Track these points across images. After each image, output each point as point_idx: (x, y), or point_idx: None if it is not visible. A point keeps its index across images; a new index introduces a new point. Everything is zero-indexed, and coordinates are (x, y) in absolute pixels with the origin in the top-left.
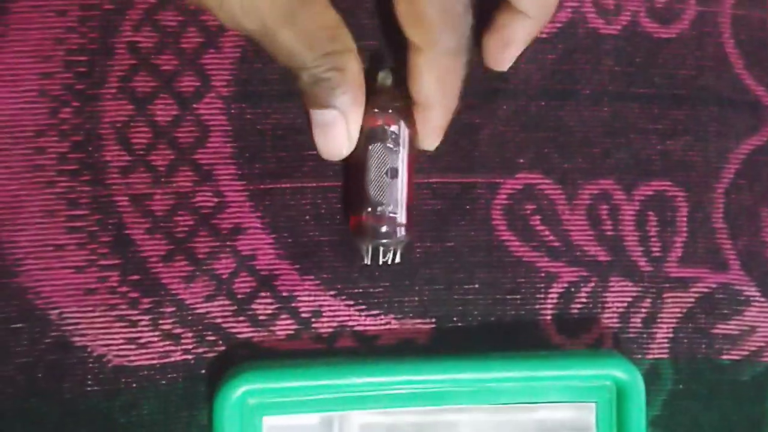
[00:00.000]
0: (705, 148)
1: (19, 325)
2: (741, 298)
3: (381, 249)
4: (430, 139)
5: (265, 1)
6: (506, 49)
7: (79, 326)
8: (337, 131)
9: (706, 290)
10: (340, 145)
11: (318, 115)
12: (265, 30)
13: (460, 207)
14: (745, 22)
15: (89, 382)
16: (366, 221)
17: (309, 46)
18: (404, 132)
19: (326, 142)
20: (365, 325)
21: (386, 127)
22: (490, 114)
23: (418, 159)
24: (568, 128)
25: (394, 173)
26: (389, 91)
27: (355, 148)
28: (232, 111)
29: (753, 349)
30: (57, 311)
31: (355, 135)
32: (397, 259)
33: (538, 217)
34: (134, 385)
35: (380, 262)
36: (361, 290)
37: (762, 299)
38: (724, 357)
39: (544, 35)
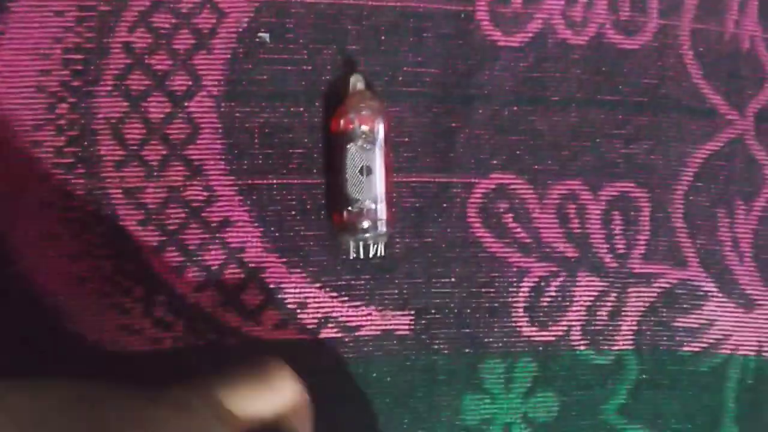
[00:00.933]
0: (666, 152)
1: (14, 311)
2: (700, 293)
3: (363, 243)
4: None
5: None
6: None
7: (74, 313)
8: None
9: (667, 285)
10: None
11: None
12: None
13: (437, 205)
14: (704, 35)
15: (82, 368)
16: (347, 217)
17: None
18: (378, 131)
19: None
20: (348, 316)
21: (359, 127)
22: (466, 118)
23: (397, 159)
24: (538, 132)
25: (369, 171)
26: (361, 93)
27: (334, 148)
28: (222, 109)
29: (711, 341)
30: (51, 299)
31: None
32: (381, 252)
33: (510, 215)
34: (126, 371)
35: (362, 256)
36: (344, 282)
37: (719, 294)
38: (685, 349)
39: (516, 44)
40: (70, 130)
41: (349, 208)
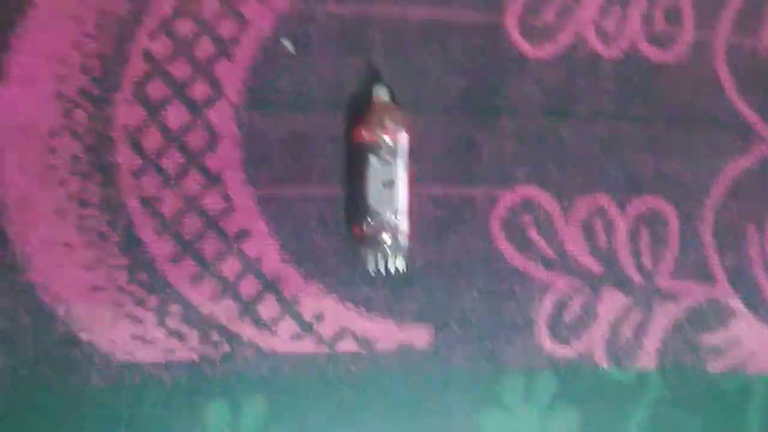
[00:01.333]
0: (696, 168)
1: (26, 321)
2: (727, 311)
3: (382, 257)
4: None
5: None
6: None
7: (86, 323)
8: None
9: (694, 303)
10: None
11: None
12: None
13: (460, 217)
14: (739, 50)
15: (94, 377)
16: (367, 230)
17: None
18: (401, 144)
19: None
20: (366, 329)
21: (383, 139)
22: (492, 129)
23: (420, 170)
24: (566, 145)
25: (390, 183)
26: (385, 104)
27: (355, 159)
28: (243, 118)
29: (737, 360)
30: (64, 307)
31: None
32: (401, 266)
33: (534, 228)
34: (138, 380)
35: (382, 270)
36: (362, 295)
37: (747, 312)
38: (710, 367)
39: (545, 56)
40: (87, 137)
41: (370, 220)
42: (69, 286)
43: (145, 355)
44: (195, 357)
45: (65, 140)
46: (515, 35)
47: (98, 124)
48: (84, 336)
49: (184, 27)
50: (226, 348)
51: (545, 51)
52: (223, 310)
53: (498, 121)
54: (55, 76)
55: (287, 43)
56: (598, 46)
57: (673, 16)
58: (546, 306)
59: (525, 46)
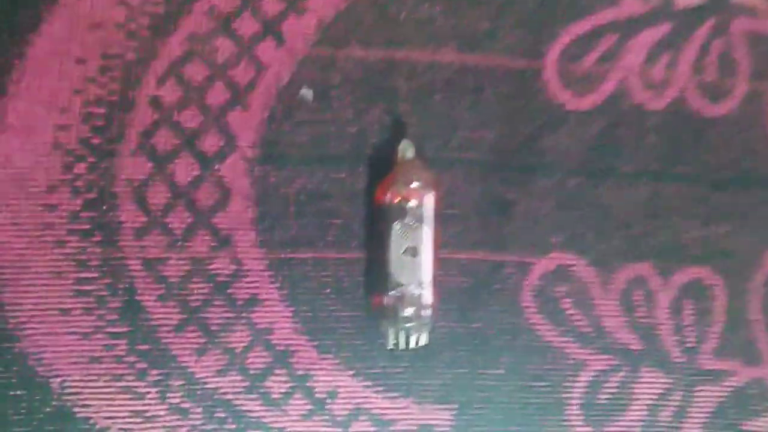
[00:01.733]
0: (747, 235)
1: (18, 392)
2: None
3: (404, 332)
4: None
5: None
6: None
7: (82, 396)
8: None
9: (738, 384)
10: None
11: None
12: None
13: (488, 286)
14: None
15: None
16: (387, 302)
17: None
18: (427, 207)
19: None
20: (383, 408)
21: (406, 203)
22: (525, 189)
23: (445, 233)
24: (606, 207)
25: (415, 252)
26: (411, 163)
27: (377, 222)
28: (256, 173)
29: None
30: (59, 379)
31: None
32: (423, 342)
33: (569, 300)
34: None
35: (403, 347)
36: (380, 371)
37: None
38: None
39: (585, 107)
40: (87, 192)
41: (391, 291)
42: (64, 356)
43: None
44: None
45: (64, 196)
46: (554, 83)
47: (100, 178)
48: (79, 411)
49: (196, 72)
50: (232, 426)
51: (586, 101)
52: (229, 385)
53: (533, 180)
54: (54, 125)
55: (307, 92)
56: (643, 96)
57: (727, 65)
58: (579, 386)
59: (565, 96)
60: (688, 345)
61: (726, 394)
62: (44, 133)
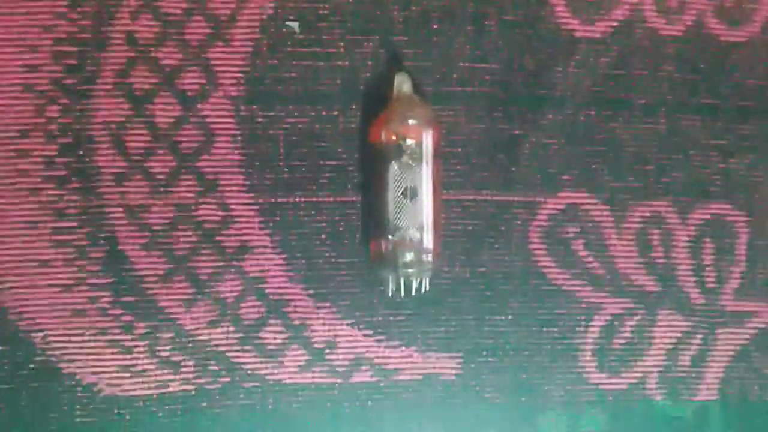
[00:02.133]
0: None
1: (0, 349)
2: None
3: (404, 278)
4: None
5: None
6: None
7: (67, 351)
8: None
9: (762, 326)
10: None
11: None
12: None
13: (494, 228)
14: None
15: (78, 413)
16: (386, 247)
17: None
18: (425, 145)
19: None
20: (385, 358)
21: (404, 140)
22: (533, 124)
23: (448, 174)
24: (619, 142)
25: (414, 193)
26: (408, 97)
27: (373, 162)
28: (242, 113)
29: None
30: (41, 334)
31: None
32: (425, 288)
33: (581, 241)
34: (128, 417)
35: (404, 293)
36: (381, 319)
37: None
38: None
39: (596, 35)
40: (62, 136)
41: (390, 236)
42: (46, 311)
43: (134, 388)
44: (191, 389)
45: (38, 141)
46: (562, 10)
47: (75, 122)
48: (65, 367)
49: (173, 5)
50: (226, 379)
51: (597, 29)
52: (222, 337)
53: (541, 115)
54: (24, 65)
55: (293, 24)
56: (657, 22)
57: None
58: (593, 331)
59: (573, 24)
60: (709, 286)
61: (749, 336)
62: (13, 75)
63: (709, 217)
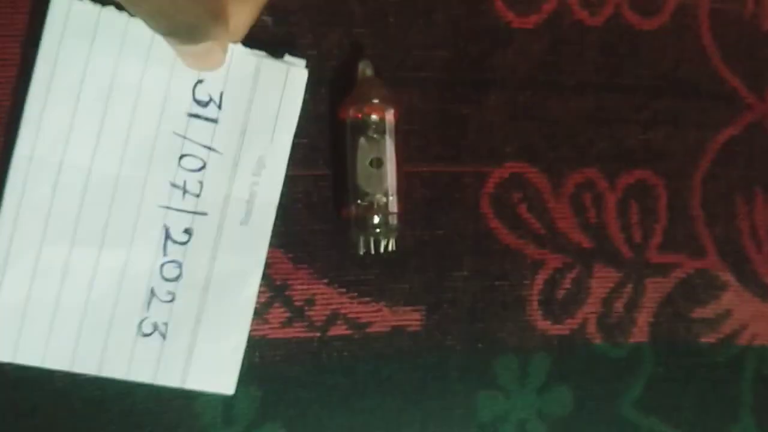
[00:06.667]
0: (684, 138)
1: None
2: (717, 283)
3: (373, 239)
4: (240, 34)
5: None
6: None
7: None
8: (215, 53)
9: (684, 276)
10: (219, 60)
11: (193, 49)
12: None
13: (449, 196)
14: (722, 16)
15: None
16: (356, 212)
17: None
18: (388, 121)
19: (204, 62)
20: (358, 313)
21: (369, 117)
22: (478, 104)
23: (407, 148)
24: (553, 118)
25: (379, 163)
26: (370, 80)
27: (341, 138)
28: None
29: (728, 332)
30: None
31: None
32: (392, 248)
33: (524, 205)
34: None
35: (373, 252)
36: (353, 278)
37: (737, 284)
38: (702, 340)
39: (530, 26)
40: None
41: (359, 201)
42: None
43: None
44: None
45: None
46: (500, 5)
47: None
48: None
49: None
50: None
51: (530, 21)
52: None
53: (485, 95)
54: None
55: (267, 18)
56: (582, 14)
57: None
58: (538, 284)
59: (510, 16)
60: (636, 242)
61: (672, 285)
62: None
63: (633, 181)
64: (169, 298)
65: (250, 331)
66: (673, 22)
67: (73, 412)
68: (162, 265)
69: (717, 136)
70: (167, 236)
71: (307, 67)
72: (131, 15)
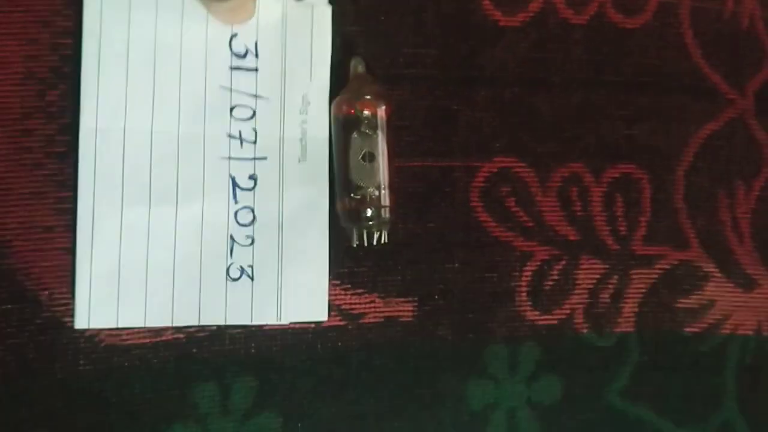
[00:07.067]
0: (667, 133)
1: (8, 307)
2: (700, 274)
3: (366, 231)
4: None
5: None
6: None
7: (70, 307)
8: (244, 8)
9: (668, 267)
10: (251, 11)
11: (219, 6)
12: None
13: (439, 190)
14: (703, 14)
15: (81, 362)
16: (350, 205)
17: None
18: (380, 117)
19: (237, 15)
20: (352, 304)
21: (361, 113)
22: (468, 101)
23: (399, 143)
24: (540, 114)
25: (372, 157)
26: (362, 77)
27: (335, 134)
28: None
29: (712, 321)
30: (47, 292)
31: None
32: (384, 240)
33: (513, 198)
34: (126, 363)
35: (366, 244)
36: (347, 270)
37: (720, 275)
38: (686, 329)
39: (516, 24)
40: (61, 117)
41: (352, 195)
42: (51, 271)
43: (131, 337)
44: (182, 337)
45: (39, 122)
46: (487, 4)
47: (71, 104)
48: (68, 321)
49: None
50: (213, 327)
51: (517, 19)
52: None
53: (474, 92)
54: (25, 56)
55: None
56: (567, 13)
57: None
58: (526, 275)
59: (497, 15)
60: (621, 234)
61: (657, 276)
62: (16, 65)
63: (618, 175)
64: (248, 241)
65: (246, 323)
66: (656, 21)
67: (72, 402)
68: (236, 212)
69: (699, 131)
70: (234, 184)
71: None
72: None
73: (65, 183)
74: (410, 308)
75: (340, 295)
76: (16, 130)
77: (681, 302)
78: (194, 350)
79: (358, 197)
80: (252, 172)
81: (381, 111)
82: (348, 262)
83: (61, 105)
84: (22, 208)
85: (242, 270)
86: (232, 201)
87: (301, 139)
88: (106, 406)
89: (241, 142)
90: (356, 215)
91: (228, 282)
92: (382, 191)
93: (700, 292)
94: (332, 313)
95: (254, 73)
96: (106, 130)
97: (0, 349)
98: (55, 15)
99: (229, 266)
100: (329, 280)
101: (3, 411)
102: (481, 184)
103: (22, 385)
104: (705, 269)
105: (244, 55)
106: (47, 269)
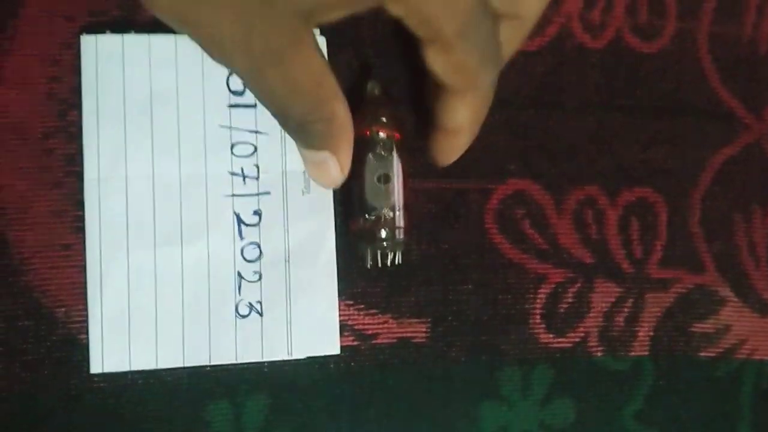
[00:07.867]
0: (683, 157)
1: (25, 323)
2: (716, 299)
3: (380, 252)
4: (452, 158)
5: (255, 38)
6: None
7: (86, 324)
8: (329, 168)
9: (684, 291)
10: (334, 178)
11: (309, 155)
12: (254, 69)
13: (454, 211)
14: (721, 39)
15: (95, 379)
16: (364, 226)
17: (294, 91)
18: (395, 138)
19: (320, 176)
20: (365, 324)
21: (377, 135)
22: (483, 123)
23: (413, 165)
24: (555, 137)
25: (386, 179)
26: (378, 100)
27: (353, 155)
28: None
29: (728, 346)
30: (63, 309)
31: (347, 168)
32: (398, 261)
33: (527, 221)
34: (140, 381)
35: (380, 264)
36: (360, 290)
37: (736, 299)
38: (702, 354)
39: (533, 48)
40: (80, 137)
41: (366, 216)
42: (67, 288)
43: None
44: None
45: (60, 141)
46: None
47: None
48: (84, 338)
49: None
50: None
51: (533, 44)
52: None
53: (489, 114)
54: (48, 77)
55: None
56: (583, 37)
57: (657, 6)
58: (540, 298)
59: None
60: (636, 257)
61: (672, 300)
62: (39, 85)
63: (633, 199)
64: (256, 277)
65: (257, 360)
66: (673, 45)
67: (86, 418)
68: (242, 249)
69: (715, 156)
70: (239, 221)
71: (323, 35)
72: (153, 33)
73: (83, 202)
74: (423, 329)
75: (354, 315)
76: (38, 149)
77: (696, 326)
78: (207, 368)
79: (373, 218)
80: (256, 208)
81: (396, 133)
82: (361, 283)
83: (81, 125)
84: (42, 226)
85: (251, 306)
86: (237, 237)
87: (303, 172)
88: (120, 424)
89: (244, 179)
90: (370, 236)
91: (237, 319)
92: (397, 212)
93: (715, 317)
94: (345, 333)
95: (253, 109)
96: (108, 179)
97: (16, 366)
98: (77, 37)
99: (238, 303)
100: (342, 300)
101: (17, 427)
102: (496, 206)
103: (37, 401)
104: (721, 294)
105: (242, 93)
106: (64, 286)
